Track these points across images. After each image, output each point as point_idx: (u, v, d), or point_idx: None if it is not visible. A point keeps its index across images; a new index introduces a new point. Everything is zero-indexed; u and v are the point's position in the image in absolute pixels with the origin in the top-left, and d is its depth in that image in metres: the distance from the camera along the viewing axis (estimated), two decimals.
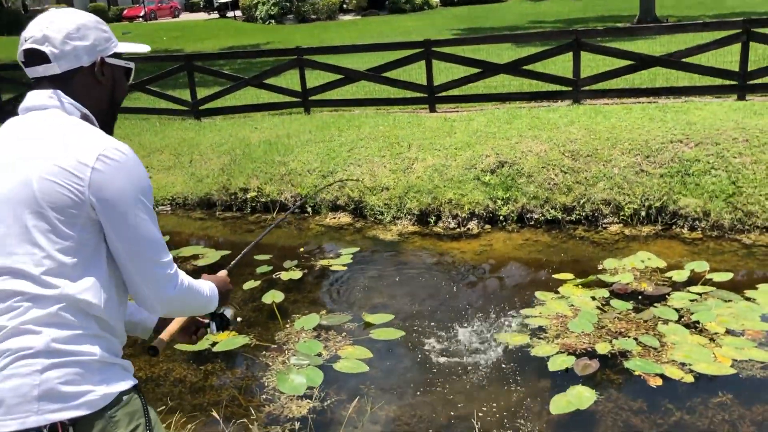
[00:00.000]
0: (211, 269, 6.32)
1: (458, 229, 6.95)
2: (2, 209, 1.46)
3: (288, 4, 33.21)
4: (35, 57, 1.57)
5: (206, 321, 2.08)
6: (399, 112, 9.76)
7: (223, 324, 2.07)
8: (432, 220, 7.11)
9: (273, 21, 33.15)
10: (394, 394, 4.26)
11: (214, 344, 5.01)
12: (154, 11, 41.69)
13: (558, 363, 4.36)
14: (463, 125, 8.29)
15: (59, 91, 1.58)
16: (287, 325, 5.20)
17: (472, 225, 6.96)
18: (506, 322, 5.00)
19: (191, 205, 8.46)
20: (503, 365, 4.47)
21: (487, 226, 6.95)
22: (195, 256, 6.85)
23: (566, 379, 4.23)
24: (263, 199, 8.06)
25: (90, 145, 1.49)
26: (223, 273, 2.05)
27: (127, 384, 1.55)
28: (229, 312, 2.07)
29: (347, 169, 7.87)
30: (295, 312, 5.45)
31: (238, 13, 36.12)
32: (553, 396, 4.06)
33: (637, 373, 4.19)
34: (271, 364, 4.69)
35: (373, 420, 3.99)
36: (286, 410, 4.12)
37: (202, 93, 10.93)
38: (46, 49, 1.56)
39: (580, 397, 4.01)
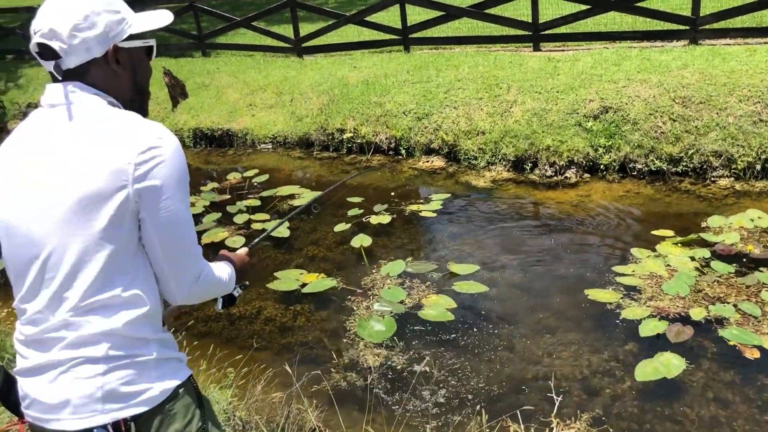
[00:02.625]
0: (309, 209, 6.50)
1: (555, 178, 6.71)
2: (65, 219, 1.44)
3: None
4: (46, 52, 1.45)
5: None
6: (501, 50, 9.39)
7: (230, 302, 2.00)
8: (528, 167, 6.89)
9: None
10: (473, 348, 4.25)
11: (303, 285, 5.17)
12: None
13: (649, 328, 4.18)
14: (568, 66, 7.88)
15: (83, 84, 1.49)
16: (373, 270, 5.27)
17: (570, 173, 6.69)
18: (598, 280, 4.83)
19: (291, 144, 8.62)
20: (590, 326, 4.35)
21: (586, 176, 6.66)
22: (292, 196, 7.01)
23: (656, 344, 4.06)
24: (359, 140, 8.08)
25: (133, 137, 1.44)
26: (243, 251, 2.01)
27: (182, 377, 1.57)
28: (239, 291, 2.01)
29: (443, 112, 7.72)
30: (382, 257, 5.50)
31: None
32: (639, 361, 3.91)
33: (732, 343, 3.96)
34: (355, 308, 4.79)
35: (448, 372, 4.02)
36: (363, 357, 4.22)
37: (304, 30, 10.94)
38: (54, 44, 1.44)
39: (668, 365, 3.85)
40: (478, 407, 3.56)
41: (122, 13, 1.53)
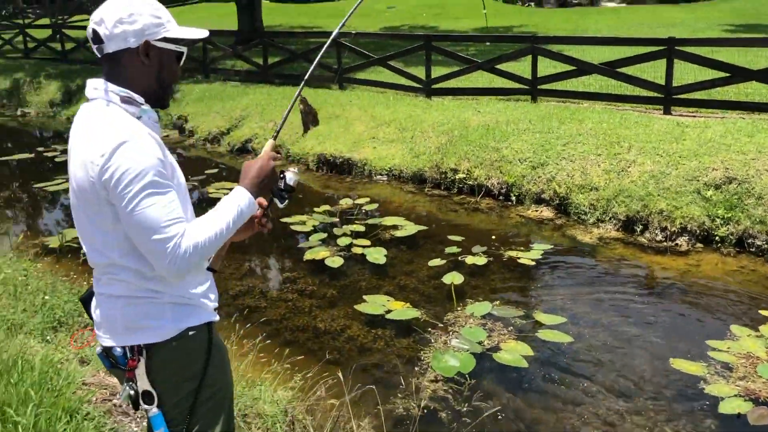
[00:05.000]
0: (407, 241, 6.70)
1: (665, 243, 6.48)
2: (77, 198, 1.77)
3: None
4: (95, 36, 1.75)
5: (266, 205, 2.04)
6: (630, 110, 9.21)
7: (286, 192, 2.01)
8: (638, 229, 6.71)
9: (533, 4, 32.70)
10: (542, 398, 4.21)
11: (389, 311, 5.33)
12: None
13: (731, 406, 3.97)
14: (696, 132, 7.61)
15: (106, 82, 1.76)
16: (458, 308, 5.34)
17: (682, 241, 6.44)
18: (688, 351, 4.63)
19: (405, 179, 8.88)
20: (669, 395, 4.18)
21: (699, 245, 6.39)
22: (395, 227, 7.23)
23: (734, 425, 3.84)
24: (470, 182, 8.20)
25: (104, 137, 1.67)
26: (267, 148, 1.99)
27: (195, 322, 1.81)
28: (289, 177, 2.00)
29: (559, 164, 7.69)
30: (471, 297, 5.55)
31: None
32: None
33: None
34: (433, 341, 4.87)
35: (510, 417, 4.00)
36: (429, 387, 4.28)
37: (436, 72, 11.28)
38: (100, 30, 1.74)
39: None
40: None
41: (162, 19, 1.81)
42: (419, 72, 11.44)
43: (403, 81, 11.57)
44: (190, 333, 1.79)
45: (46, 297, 4.11)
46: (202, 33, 1.89)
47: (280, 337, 5.08)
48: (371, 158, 9.29)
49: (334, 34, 2.51)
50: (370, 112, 10.43)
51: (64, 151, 11.62)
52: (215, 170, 10.20)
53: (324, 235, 7.04)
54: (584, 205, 7.16)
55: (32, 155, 11.61)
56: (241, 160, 10.70)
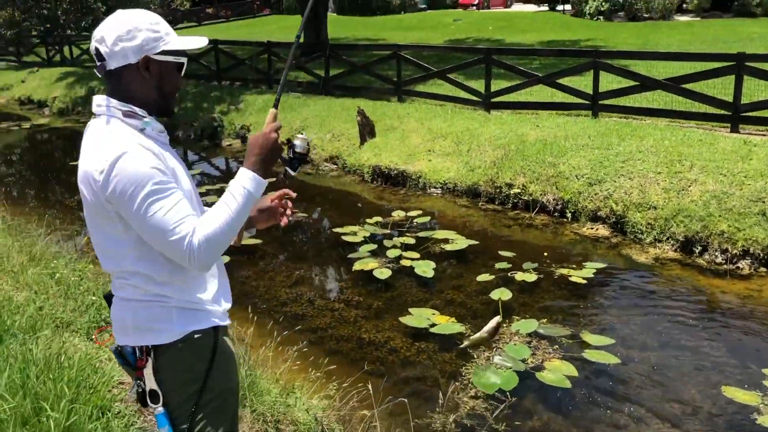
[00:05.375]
0: (457, 255, 6.66)
1: (725, 266, 6.24)
2: (87, 210, 1.85)
3: (620, 0, 31.83)
4: (98, 54, 1.82)
5: (281, 174, 2.05)
6: (694, 127, 8.93)
7: (297, 160, 2.02)
8: (697, 250, 6.48)
9: (601, 17, 32.10)
10: (586, 420, 4.11)
11: (433, 325, 5.31)
12: (487, 0, 43.15)
13: None
14: (764, 152, 7.31)
15: (108, 98, 1.82)
16: (504, 325, 5.27)
17: (744, 264, 6.18)
18: (743, 379, 4.44)
19: (459, 192, 8.84)
20: (719, 423, 4.01)
21: (762, 269, 6.12)
22: (445, 240, 7.20)
23: None
24: (525, 197, 8.10)
25: (102, 154, 1.73)
26: (268, 119, 1.97)
27: (201, 326, 1.86)
28: (298, 144, 1.99)
29: (617, 181, 7.51)
30: (517, 314, 5.48)
31: (568, 7, 35.66)
32: None
33: None
34: (476, 357, 4.83)
35: None
36: (471, 404, 4.24)
37: (496, 86, 11.22)
38: (101, 48, 1.80)
39: None
40: None
41: (161, 32, 1.84)
42: (479, 85, 11.40)
43: (462, 94, 11.55)
44: (196, 336, 1.85)
45: (94, 297, 4.28)
46: (201, 42, 1.92)
47: (324, 345, 5.13)
48: (426, 171, 9.29)
49: (293, 49, 2.41)
50: (427, 124, 10.44)
51: None
52: (272, 179, 10.36)
53: (374, 247, 7.08)
54: (641, 224, 6.97)
55: None
56: (301, 170, 10.89)
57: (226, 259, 6.86)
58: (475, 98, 11.25)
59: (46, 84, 20.12)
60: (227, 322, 1.97)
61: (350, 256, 6.88)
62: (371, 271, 6.43)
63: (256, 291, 6.18)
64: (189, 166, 11.95)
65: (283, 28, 29.61)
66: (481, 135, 9.56)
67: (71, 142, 15.28)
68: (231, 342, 2.00)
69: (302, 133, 2.04)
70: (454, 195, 8.87)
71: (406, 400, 3.54)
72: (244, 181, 1.83)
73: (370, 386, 3.85)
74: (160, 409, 1.84)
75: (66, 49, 23.92)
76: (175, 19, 39.11)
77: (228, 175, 11.44)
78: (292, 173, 2.01)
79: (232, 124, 13.28)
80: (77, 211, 9.07)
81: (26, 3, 24.92)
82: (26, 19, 25.30)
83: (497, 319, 4.90)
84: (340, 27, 29.82)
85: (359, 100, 12.26)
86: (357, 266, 6.56)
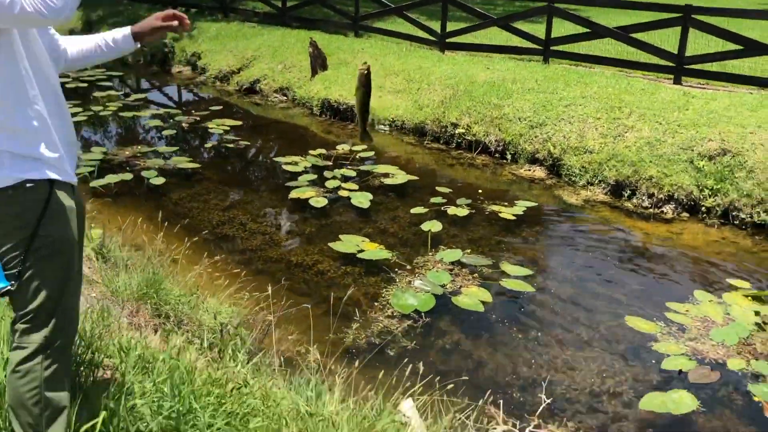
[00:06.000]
0: (395, 189, 6.75)
1: (650, 210, 6.47)
2: None
3: None
4: None
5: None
6: (640, 77, 9.07)
7: None
8: (626, 194, 6.69)
9: None
10: (491, 340, 4.29)
11: (361, 251, 5.41)
12: None
13: (674, 363, 4.03)
14: (701, 103, 7.49)
15: None
16: (430, 254, 5.41)
17: (668, 209, 6.41)
18: (647, 311, 4.67)
19: (406, 130, 8.88)
20: (616, 347, 4.24)
21: (684, 214, 6.36)
22: (386, 174, 7.27)
23: (675, 381, 3.91)
24: (469, 137, 8.19)
25: None
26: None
27: (35, 175, 1.89)
28: None
29: (557, 125, 7.64)
30: (445, 245, 5.61)
31: None
32: (650, 392, 3.79)
33: (757, 398, 3.72)
34: (398, 281, 4.96)
35: (454, 354, 4.10)
36: (385, 323, 4.39)
37: (452, 27, 11.15)
38: None
39: (678, 402, 3.70)
40: (465, 388, 3.60)
41: None
42: (435, 25, 11.32)
43: (419, 33, 11.46)
44: (28, 185, 1.88)
45: None
46: None
47: (252, 266, 5.21)
48: (375, 107, 9.25)
49: None
50: (381, 61, 10.38)
51: (78, 78, 11.76)
52: (220, 107, 10.26)
53: (314, 177, 7.11)
54: (576, 167, 7.14)
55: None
56: (248, 100, 10.77)
57: (160, 180, 6.87)
58: (431, 38, 11.18)
59: None
60: (69, 179, 1.99)
61: (288, 184, 6.91)
62: (308, 199, 6.48)
63: (189, 212, 6.19)
64: (138, 90, 11.71)
65: None
66: (433, 74, 9.56)
67: None
68: (76, 200, 2.03)
69: None
70: (401, 132, 8.91)
71: (309, 306, 3.64)
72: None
73: (285, 299, 3.94)
74: None
75: None
76: None
77: (176, 102, 11.26)
78: None
79: (184, 51, 12.99)
80: None
81: None
82: None
83: None
84: None
85: (315, 33, 12.08)
86: (294, 194, 6.60)
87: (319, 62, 10.26)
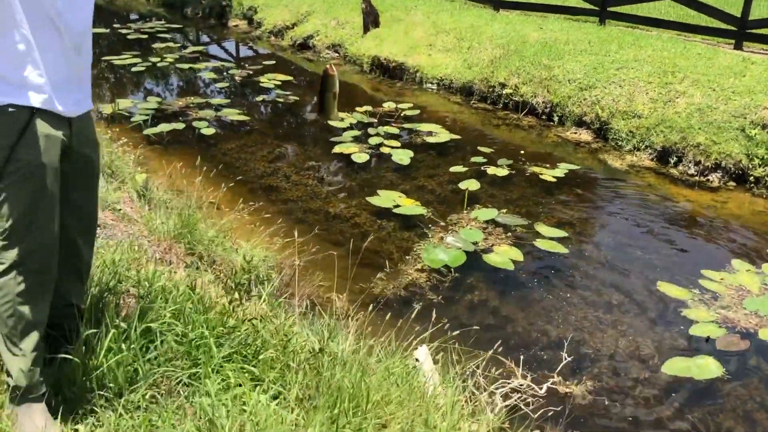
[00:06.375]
0: (437, 147, 6.78)
1: (696, 178, 6.33)
2: None
3: None
4: None
5: None
6: (699, 41, 8.77)
7: None
8: (672, 161, 6.56)
9: None
10: (522, 300, 4.35)
11: (397, 206, 5.50)
12: None
13: (702, 329, 4.01)
14: (759, 70, 7.22)
15: None
16: (465, 212, 5.45)
17: (714, 177, 6.27)
18: (681, 277, 4.64)
19: (454, 89, 8.85)
20: (645, 312, 4.24)
21: (731, 183, 6.21)
22: (429, 133, 7.30)
23: (702, 347, 3.90)
24: (516, 98, 8.11)
25: None
26: None
27: (16, 101, 1.95)
28: None
29: (607, 88, 7.49)
30: (481, 203, 5.64)
31: None
32: (675, 356, 3.80)
33: None
34: (431, 237, 5.04)
35: (480, 309, 4.18)
36: (413, 276, 4.49)
37: None
38: None
39: (703, 368, 3.70)
40: (486, 341, 3.69)
41: None
42: None
43: None
44: (10, 110, 1.95)
45: None
46: None
47: (292, 215, 5.36)
48: (424, 65, 9.26)
49: None
50: (433, 18, 10.29)
51: (138, 30, 12.09)
52: (273, 62, 10.40)
53: (358, 133, 7.20)
54: (623, 131, 7.02)
55: (107, 31, 12.11)
56: (300, 56, 10.87)
57: (210, 131, 7.06)
58: None
59: None
60: (53, 108, 2.02)
61: (332, 139, 7.01)
62: (350, 155, 6.58)
63: (236, 162, 6.37)
64: (195, 43, 11.92)
65: None
66: (484, 33, 9.44)
67: None
68: (72, 132, 2.09)
69: None
70: (448, 92, 8.88)
71: (335, 253, 3.75)
72: None
73: (318, 247, 4.07)
74: None
75: None
76: None
77: (231, 56, 11.44)
78: None
79: (241, 5, 13.12)
80: None
81: None
82: None
83: None
84: None
85: None
86: (337, 149, 6.71)
87: (371, 19, 10.25)
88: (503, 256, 4.77)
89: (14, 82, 1.96)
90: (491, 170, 6.31)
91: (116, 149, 5.07)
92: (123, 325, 2.04)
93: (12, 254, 2.00)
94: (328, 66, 2.84)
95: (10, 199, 1.97)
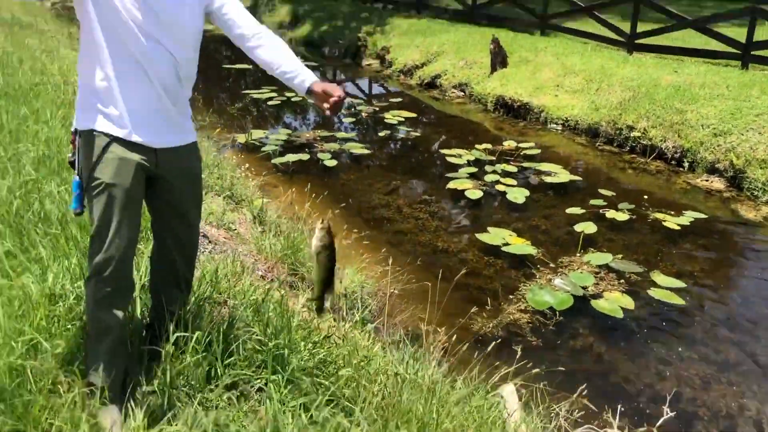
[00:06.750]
0: (555, 188, 6.66)
1: None
2: None
3: None
4: None
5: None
6: None
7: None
8: None
9: None
10: (629, 350, 4.16)
11: (506, 244, 5.45)
12: None
13: None
14: None
15: None
16: (578, 255, 5.30)
17: None
18: None
19: (579, 131, 8.67)
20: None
21: None
22: (548, 173, 7.19)
23: None
24: (644, 141, 7.82)
25: None
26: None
27: (100, 128, 2.18)
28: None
29: (744, 134, 7.05)
30: (595, 247, 5.47)
31: None
32: None
33: None
34: (538, 277, 4.94)
35: (589, 360, 4.03)
36: (515, 315, 4.41)
37: (642, 27, 10.62)
38: None
39: None
40: (586, 388, 3.54)
41: None
42: (625, 25, 10.86)
43: (607, 33, 11.06)
44: (95, 134, 2.18)
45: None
46: None
47: (400, 246, 5.46)
48: (549, 105, 9.16)
49: None
50: (562, 60, 10.19)
51: None
52: (399, 99, 10.69)
53: (474, 170, 7.22)
54: (760, 180, 6.56)
55: (249, 66, 12.98)
56: (427, 94, 11.09)
57: (332, 162, 7.36)
58: (619, 38, 10.75)
59: None
60: (134, 140, 2.19)
61: (448, 175, 7.08)
62: (464, 190, 6.62)
63: (354, 193, 6.59)
64: (330, 80, 12.49)
65: None
66: (615, 75, 9.22)
67: (229, 48, 16.39)
68: (142, 157, 2.23)
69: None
70: (573, 132, 8.72)
71: (435, 285, 3.76)
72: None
73: (420, 278, 4.11)
74: (76, 177, 2.23)
75: None
76: None
77: (360, 93, 11.88)
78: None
79: (375, 45, 13.63)
80: (214, 107, 9.90)
81: None
82: None
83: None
84: None
85: (501, 31, 12.11)
86: (452, 184, 6.77)
87: (498, 59, 10.31)
88: (613, 302, 4.59)
89: (97, 112, 2.19)
90: (611, 214, 6.10)
91: (239, 174, 5.42)
92: (210, 330, 2.19)
93: (92, 262, 2.21)
94: (321, 225, 2.24)
95: (92, 212, 2.21)
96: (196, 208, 2.44)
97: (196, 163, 2.42)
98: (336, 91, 2.17)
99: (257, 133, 8.38)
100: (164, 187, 2.31)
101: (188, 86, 2.33)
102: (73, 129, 2.26)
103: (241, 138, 8.10)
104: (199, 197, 2.47)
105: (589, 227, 5.79)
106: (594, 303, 4.59)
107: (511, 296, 4.69)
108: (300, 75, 2.26)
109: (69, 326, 2.38)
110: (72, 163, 2.26)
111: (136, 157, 2.21)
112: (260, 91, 10.79)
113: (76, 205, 2.22)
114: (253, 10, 18.66)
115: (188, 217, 2.38)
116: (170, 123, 2.28)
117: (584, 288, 4.78)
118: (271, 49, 2.31)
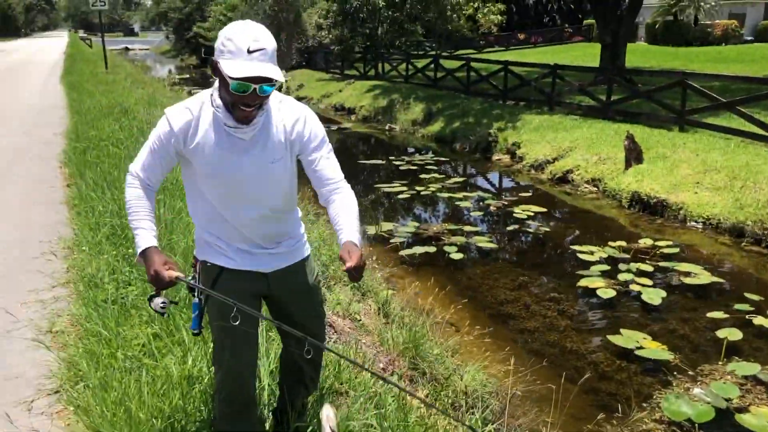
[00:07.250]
0: (695, 290, 6.29)
1: None
2: None
3: None
4: None
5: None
6: None
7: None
8: None
9: None
10: None
11: (640, 348, 5.17)
12: None
13: None
14: None
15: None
16: (720, 363, 4.92)
17: None
18: None
19: (722, 229, 8.19)
20: None
21: None
22: (688, 273, 6.81)
23: None
24: None
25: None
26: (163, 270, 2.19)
27: (210, 259, 2.34)
28: (161, 306, 2.25)
29: None
30: (737, 355, 5.06)
31: None
32: None
33: None
34: (675, 385, 4.63)
35: None
36: (649, 425, 4.13)
37: None
38: None
39: None
40: None
41: (225, 48, 2.08)
42: None
43: (753, 129, 10.54)
44: (207, 264, 2.35)
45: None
46: (235, 72, 2.04)
47: (526, 345, 5.33)
48: (689, 203, 8.76)
49: None
50: (702, 156, 9.79)
51: (409, 162, 13.30)
52: (529, 194, 10.65)
53: (607, 268, 6.98)
54: None
55: (383, 162, 13.51)
56: (558, 189, 10.98)
57: (458, 256, 7.39)
58: (766, 134, 10.20)
59: (357, 94, 22.78)
60: (241, 268, 2.32)
61: (579, 272, 6.88)
62: (595, 289, 6.39)
63: (480, 287, 6.56)
64: (458, 174, 12.71)
65: (587, 55, 29.14)
66: (762, 172, 8.72)
67: (366, 143, 17.21)
68: (251, 283, 2.35)
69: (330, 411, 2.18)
70: (715, 231, 8.24)
71: (553, 387, 3.61)
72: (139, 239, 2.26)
73: (546, 380, 3.99)
74: (195, 299, 2.35)
75: (379, 65, 26.67)
76: (487, 43, 41.00)
77: (490, 187, 11.97)
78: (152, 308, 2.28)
79: (506, 141, 13.78)
80: None
81: (354, 23, 28.57)
82: (352, 37, 28.95)
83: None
84: (647, 56, 28.69)
85: (636, 127, 11.90)
86: (582, 282, 6.57)
87: (633, 155, 10.08)
88: (761, 418, 4.18)
89: (209, 245, 2.37)
90: (758, 320, 5.65)
91: (368, 266, 5.57)
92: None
93: (215, 381, 2.39)
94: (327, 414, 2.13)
95: (212, 333, 2.37)
96: (317, 318, 2.51)
97: (310, 277, 2.47)
98: (352, 260, 2.08)
99: (386, 226, 8.62)
100: (280, 305, 2.44)
101: (289, 211, 2.41)
102: (194, 255, 2.45)
103: (371, 230, 8.36)
104: (317, 307, 2.53)
105: (733, 333, 5.38)
106: (739, 417, 4.21)
107: (644, 404, 4.41)
108: (343, 231, 2.20)
109: (202, 407, 2.52)
110: (191, 289, 2.35)
111: (247, 285, 2.33)
112: (391, 184, 11.16)
113: (195, 326, 2.34)
114: (389, 109, 19.57)
115: (309, 328, 2.38)
116: (278, 248, 2.38)
117: (728, 400, 4.40)
118: (339, 203, 2.28)
